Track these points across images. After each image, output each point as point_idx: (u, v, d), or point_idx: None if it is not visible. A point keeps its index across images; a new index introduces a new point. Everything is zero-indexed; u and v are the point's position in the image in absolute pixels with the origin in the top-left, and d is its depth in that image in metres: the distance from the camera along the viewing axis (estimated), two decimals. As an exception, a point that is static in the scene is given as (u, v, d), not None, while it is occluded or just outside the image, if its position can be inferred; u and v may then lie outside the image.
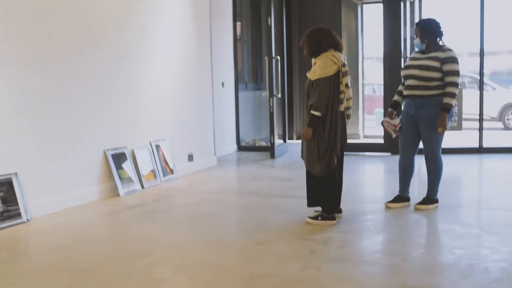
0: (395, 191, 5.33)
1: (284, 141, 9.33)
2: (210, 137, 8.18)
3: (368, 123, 12.07)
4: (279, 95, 8.85)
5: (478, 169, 7.63)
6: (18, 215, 4.91)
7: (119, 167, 6.19)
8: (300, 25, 10.78)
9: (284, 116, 9.43)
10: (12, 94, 4.97)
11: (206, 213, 5.22)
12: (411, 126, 5.13)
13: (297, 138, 10.95)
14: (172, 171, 7.06)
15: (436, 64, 4.91)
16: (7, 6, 4.92)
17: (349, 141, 9.11)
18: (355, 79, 10.77)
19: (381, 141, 8.99)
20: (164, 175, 6.87)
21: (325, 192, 4.66)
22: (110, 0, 6.12)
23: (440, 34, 5.05)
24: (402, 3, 8.70)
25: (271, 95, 8.56)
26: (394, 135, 5.31)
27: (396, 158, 8.26)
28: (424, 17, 9.18)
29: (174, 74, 7.26)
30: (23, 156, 5.09)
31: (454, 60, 4.91)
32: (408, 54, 9.09)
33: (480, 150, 8.53)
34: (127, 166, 6.30)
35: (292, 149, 9.52)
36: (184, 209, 5.37)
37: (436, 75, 4.91)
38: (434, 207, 5.15)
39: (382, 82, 8.93)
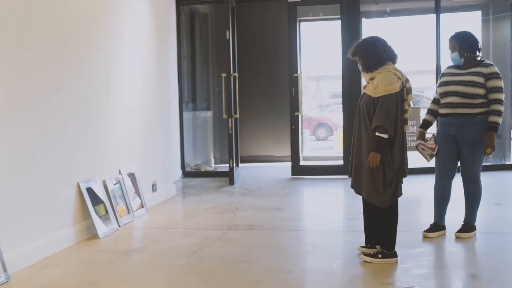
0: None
1: (237, 165, 8.57)
2: (169, 163, 7.25)
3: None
4: (237, 115, 8.10)
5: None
6: None
7: (94, 202, 5.12)
8: (242, 41, 10.16)
9: (237, 138, 8.67)
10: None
11: (229, 256, 4.35)
12: (450, 147, 4.70)
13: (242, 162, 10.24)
14: (142, 205, 6.04)
15: (480, 79, 4.54)
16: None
17: (305, 163, 8.78)
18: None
19: (341, 162, 8.59)
20: (135, 210, 5.85)
21: (387, 226, 4.05)
22: (76, 27, 5.04)
23: (479, 48, 4.69)
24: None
25: (230, 115, 7.82)
26: (429, 160, 4.84)
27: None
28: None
29: (138, 97, 6.27)
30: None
31: (498, 75, 4.57)
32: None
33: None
34: (102, 200, 5.24)
35: (244, 173, 8.80)
36: (198, 253, 4.45)
37: (481, 91, 4.54)
38: (474, 234, 4.75)
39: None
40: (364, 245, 4.29)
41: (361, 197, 4.21)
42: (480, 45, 4.71)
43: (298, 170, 8.55)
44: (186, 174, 8.79)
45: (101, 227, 5.05)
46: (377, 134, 3.90)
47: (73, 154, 4.90)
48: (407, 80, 4.02)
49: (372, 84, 4.00)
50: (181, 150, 8.75)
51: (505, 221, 5.32)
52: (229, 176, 7.93)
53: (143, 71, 6.38)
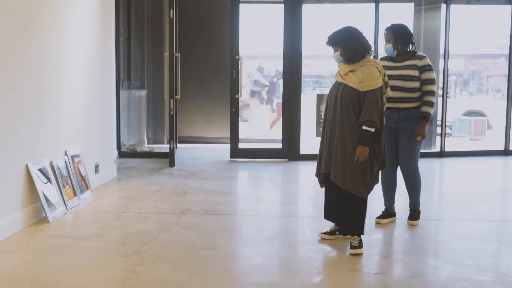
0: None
1: (176, 146, 8.45)
2: (111, 143, 7.03)
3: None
4: (179, 96, 7.95)
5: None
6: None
7: (43, 184, 4.88)
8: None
9: (176, 119, 8.51)
10: None
11: (193, 242, 4.30)
12: (392, 139, 4.81)
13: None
14: (87, 187, 5.84)
15: (415, 73, 4.68)
16: None
17: (243, 146, 8.79)
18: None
19: (279, 146, 8.69)
20: (81, 192, 5.64)
21: (362, 214, 4.14)
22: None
23: (412, 41, 4.83)
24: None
25: (172, 96, 7.68)
26: None
27: (294, 164, 8.10)
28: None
29: (84, 75, 6.00)
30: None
31: (431, 68, 4.72)
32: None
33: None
34: (50, 182, 5.01)
35: (181, 155, 8.68)
36: (159, 239, 4.37)
37: (418, 84, 4.69)
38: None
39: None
40: (324, 231, 4.40)
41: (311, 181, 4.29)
42: (413, 39, 4.84)
43: (237, 153, 8.57)
44: (122, 155, 8.56)
45: (50, 211, 4.83)
46: (364, 128, 3.94)
47: (20, 134, 4.64)
48: (385, 74, 4.10)
49: (356, 77, 3.98)
50: (117, 130, 8.48)
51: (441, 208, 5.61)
52: (169, 158, 7.82)
53: (88, 48, 6.12)
